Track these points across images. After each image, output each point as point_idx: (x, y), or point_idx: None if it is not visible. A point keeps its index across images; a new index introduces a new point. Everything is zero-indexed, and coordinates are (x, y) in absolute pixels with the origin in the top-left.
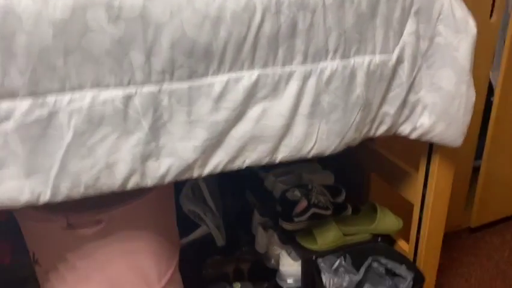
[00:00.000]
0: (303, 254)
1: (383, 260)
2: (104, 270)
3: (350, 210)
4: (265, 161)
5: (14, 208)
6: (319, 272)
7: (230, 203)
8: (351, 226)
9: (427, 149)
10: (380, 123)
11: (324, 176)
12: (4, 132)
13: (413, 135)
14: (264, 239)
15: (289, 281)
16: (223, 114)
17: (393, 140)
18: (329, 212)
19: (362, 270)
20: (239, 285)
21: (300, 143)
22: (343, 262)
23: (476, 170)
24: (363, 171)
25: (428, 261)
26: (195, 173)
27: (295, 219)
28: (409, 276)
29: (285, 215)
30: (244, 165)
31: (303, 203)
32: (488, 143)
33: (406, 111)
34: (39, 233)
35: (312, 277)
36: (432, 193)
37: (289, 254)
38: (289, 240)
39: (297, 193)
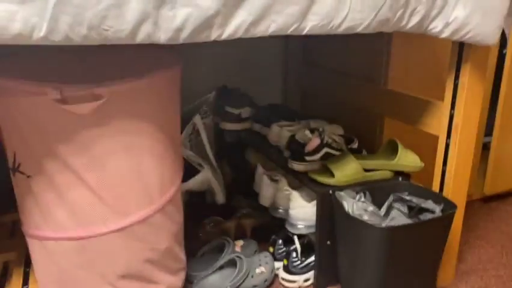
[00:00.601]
0: (319, 188)
1: (407, 196)
2: (100, 168)
3: (365, 153)
4: (292, 28)
5: (1, 41)
6: (339, 203)
7: (227, 170)
8: (370, 160)
9: (455, 63)
10: (413, 11)
11: (333, 127)
12: None
13: (445, 33)
14: (270, 188)
15: (300, 225)
16: None
17: (407, 77)
18: None
19: (384, 207)
20: (242, 243)
21: (332, 11)
22: (363, 198)
23: (484, 148)
24: (374, 120)
25: (457, 192)
26: (214, 34)
27: (307, 159)
28: (437, 208)
29: (296, 155)
30: (269, 31)
31: (316, 141)
32: (499, 114)
33: (439, 2)
34: (25, 117)
35: (328, 213)
36: (461, 113)
37: (301, 196)
38: (301, 182)
39: (308, 133)
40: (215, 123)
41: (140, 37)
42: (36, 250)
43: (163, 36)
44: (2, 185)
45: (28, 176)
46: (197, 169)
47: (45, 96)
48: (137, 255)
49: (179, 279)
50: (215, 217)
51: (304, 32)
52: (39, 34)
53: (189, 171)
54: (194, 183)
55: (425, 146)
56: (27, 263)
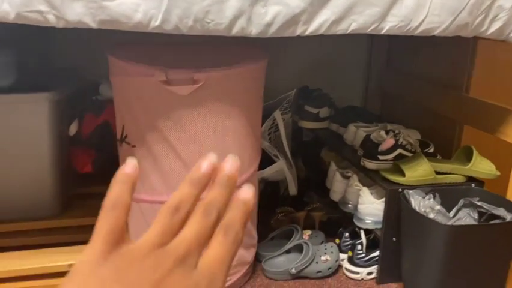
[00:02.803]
0: (389, 186)
1: (478, 202)
2: (192, 144)
3: (440, 158)
4: (371, 28)
5: (126, 27)
6: (406, 200)
7: (302, 166)
8: (443, 164)
9: None
10: (494, 18)
11: (410, 131)
12: None
13: None
14: (341, 184)
15: (368, 220)
16: None
17: (490, 84)
18: None
19: (454, 211)
20: (309, 232)
21: (410, 14)
22: (432, 200)
23: None
24: (453, 128)
25: None
26: (298, 29)
27: (380, 158)
28: (509, 216)
29: (369, 154)
30: (349, 30)
31: (390, 141)
32: None
33: None
34: (135, 94)
35: (396, 210)
36: None
37: (370, 193)
38: (372, 179)
39: (383, 134)
40: (294, 120)
41: (235, 30)
42: (132, 211)
43: (254, 30)
44: (102, 161)
45: (132, 146)
46: (273, 160)
47: (153, 77)
48: None
49: (250, 254)
50: (287, 207)
51: (382, 32)
52: (155, 23)
53: (266, 161)
54: (269, 171)
55: (507, 157)
56: None
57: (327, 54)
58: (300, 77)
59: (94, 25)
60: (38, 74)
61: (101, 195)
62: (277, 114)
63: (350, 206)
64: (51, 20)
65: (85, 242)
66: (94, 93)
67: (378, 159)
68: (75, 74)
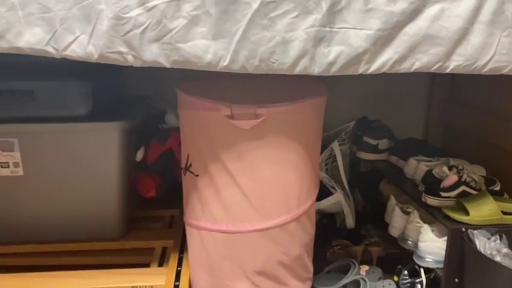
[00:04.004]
0: (451, 224)
1: None
2: (252, 175)
3: (507, 197)
4: (435, 66)
5: (196, 67)
6: (471, 241)
7: (359, 198)
8: (511, 203)
9: None
10: None
11: (474, 167)
12: None
13: None
14: (401, 219)
15: (429, 259)
16: (400, 5)
17: None
18: None
19: None
20: (367, 268)
21: (476, 53)
22: (498, 241)
23: None
24: None
25: None
26: (361, 68)
27: (442, 194)
28: None
29: (431, 190)
30: (413, 68)
31: (453, 178)
32: None
33: None
34: (200, 126)
35: (459, 250)
36: None
37: (432, 231)
38: (434, 216)
39: (445, 169)
40: (352, 151)
41: (298, 69)
42: (192, 238)
43: (316, 69)
44: (165, 186)
45: (196, 175)
46: (330, 191)
47: (218, 112)
48: (273, 256)
49: (305, 287)
50: (343, 240)
51: (447, 71)
52: (224, 63)
53: (323, 192)
54: (326, 203)
55: None
56: (181, 250)
57: (387, 84)
58: (359, 108)
59: (167, 65)
60: (110, 103)
61: (162, 219)
62: (335, 145)
63: (409, 242)
64: (130, 59)
65: (145, 264)
66: (159, 122)
67: (440, 196)
68: (144, 103)
